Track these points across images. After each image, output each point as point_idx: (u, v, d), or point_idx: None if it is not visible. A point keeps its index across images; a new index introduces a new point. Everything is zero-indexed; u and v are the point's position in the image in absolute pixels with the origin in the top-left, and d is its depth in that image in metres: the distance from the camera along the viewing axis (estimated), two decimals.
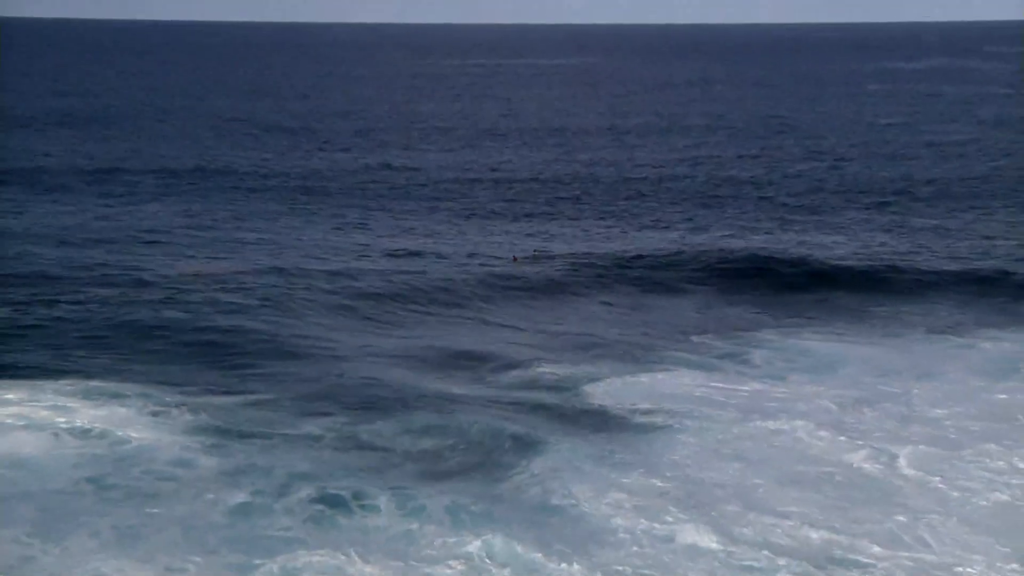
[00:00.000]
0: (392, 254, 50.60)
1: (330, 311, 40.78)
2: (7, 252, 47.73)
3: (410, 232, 56.09)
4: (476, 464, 27.52)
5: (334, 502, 25.14)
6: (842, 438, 29.73)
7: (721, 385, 34.27)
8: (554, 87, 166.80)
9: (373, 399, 31.81)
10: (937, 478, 27.06)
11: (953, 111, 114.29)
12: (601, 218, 60.28)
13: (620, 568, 22.72)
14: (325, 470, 26.80)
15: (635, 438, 29.56)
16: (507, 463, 27.61)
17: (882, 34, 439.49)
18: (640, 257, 50.00)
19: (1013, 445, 28.96)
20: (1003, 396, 33.11)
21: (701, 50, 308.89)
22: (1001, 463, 27.93)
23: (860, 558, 23.20)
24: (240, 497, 25.23)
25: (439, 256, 50.48)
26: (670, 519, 24.65)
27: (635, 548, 23.51)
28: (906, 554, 23.36)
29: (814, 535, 24.08)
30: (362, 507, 24.97)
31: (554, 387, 33.87)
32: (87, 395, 30.90)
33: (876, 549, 23.42)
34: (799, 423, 30.79)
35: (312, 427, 29.41)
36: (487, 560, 22.85)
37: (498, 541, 23.39)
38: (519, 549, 23.13)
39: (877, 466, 27.85)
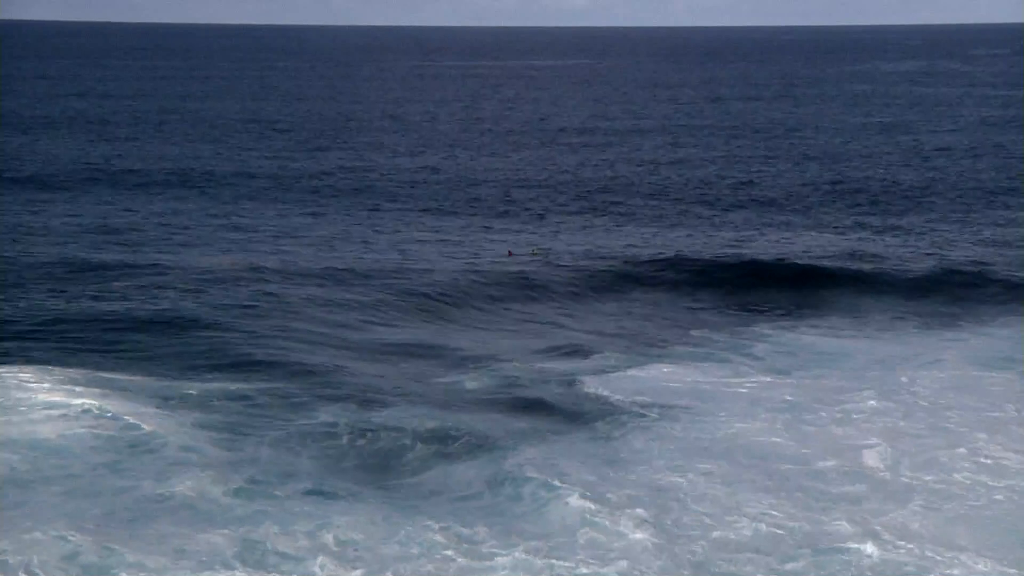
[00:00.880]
0: (397, 251, 50.91)
1: (337, 307, 41.08)
2: (26, 249, 48.31)
3: (415, 230, 56.37)
4: (476, 457, 27.65)
5: (332, 497, 25.37)
6: (840, 431, 29.93)
7: (722, 379, 34.48)
8: (553, 88, 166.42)
9: (377, 392, 32.13)
10: (933, 474, 27.08)
11: (943, 112, 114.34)
12: (599, 218, 60.41)
13: (607, 559, 22.85)
14: (327, 464, 27.10)
15: (632, 431, 29.73)
16: (506, 451, 27.85)
17: (873, 37, 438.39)
18: (637, 257, 50.21)
19: (1013, 436, 29.21)
20: (998, 388, 33.43)
21: (696, 52, 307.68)
22: (998, 455, 28.09)
23: (848, 553, 23.19)
24: (244, 490, 25.46)
25: (442, 254, 50.79)
26: (662, 512, 24.80)
27: (626, 540, 23.62)
28: (899, 547, 23.37)
29: (806, 528, 24.12)
30: (361, 501, 25.21)
31: (552, 380, 34.08)
32: (101, 385, 31.37)
33: (868, 545, 23.40)
34: (800, 415, 31.00)
35: (318, 419, 29.71)
36: (481, 552, 23.01)
37: (494, 533, 23.59)
38: (512, 540, 23.31)
39: (878, 461, 27.91)
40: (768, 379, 34.76)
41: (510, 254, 50.73)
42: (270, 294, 41.96)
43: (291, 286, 43.38)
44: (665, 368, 35.58)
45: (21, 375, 31.67)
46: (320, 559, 22.59)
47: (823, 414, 31.42)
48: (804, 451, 28.68)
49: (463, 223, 58.63)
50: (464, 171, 76.05)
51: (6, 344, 35.16)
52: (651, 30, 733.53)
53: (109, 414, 29.14)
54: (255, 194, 65.04)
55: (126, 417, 29.00)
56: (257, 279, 44.08)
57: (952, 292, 45.06)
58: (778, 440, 29.39)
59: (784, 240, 54.27)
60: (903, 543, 23.53)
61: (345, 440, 28.44)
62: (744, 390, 33.50)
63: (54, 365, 32.70)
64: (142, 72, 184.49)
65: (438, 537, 23.52)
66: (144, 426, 28.64)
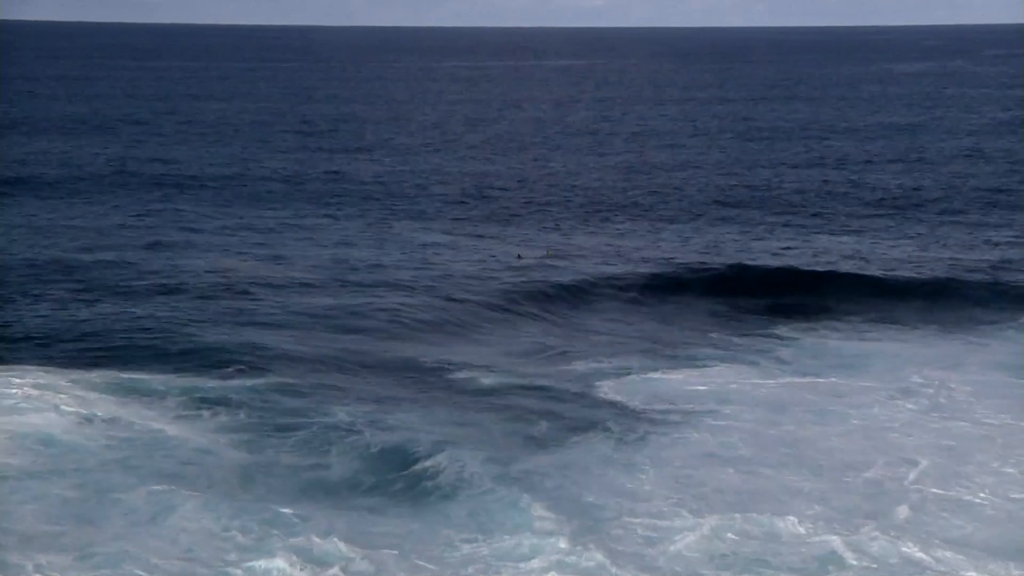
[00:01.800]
0: (410, 254, 50.87)
1: (351, 309, 41.06)
2: (37, 251, 48.43)
3: (426, 232, 56.29)
4: (493, 460, 27.62)
5: (351, 495, 25.46)
6: (867, 435, 29.80)
7: (745, 382, 34.42)
8: (567, 88, 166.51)
9: (392, 394, 32.26)
10: (961, 482, 26.87)
11: (958, 114, 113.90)
12: (614, 221, 60.21)
13: (632, 561, 22.86)
14: (345, 462, 27.21)
15: (652, 436, 29.64)
16: (524, 457, 27.84)
17: (888, 37, 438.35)
18: (654, 260, 50.13)
19: None
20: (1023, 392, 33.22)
21: (712, 53, 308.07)
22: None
23: (872, 559, 23.09)
24: (259, 489, 25.60)
25: (455, 256, 50.76)
26: (683, 515, 24.77)
27: (647, 544, 23.63)
28: (923, 556, 23.22)
29: (827, 537, 23.93)
30: (375, 503, 25.28)
31: (570, 384, 34.05)
32: (119, 385, 31.59)
33: (892, 555, 23.27)
34: (825, 419, 31.01)
35: (332, 421, 29.74)
36: (507, 553, 23.02)
37: (522, 535, 23.58)
38: (527, 545, 23.31)
39: (906, 468, 27.75)
40: (792, 381, 34.68)
41: (519, 257, 50.60)
42: (283, 298, 42.03)
43: (304, 289, 43.45)
44: (685, 372, 35.45)
45: (33, 376, 31.81)
46: (330, 560, 22.56)
47: (849, 418, 31.28)
48: (830, 456, 28.48)
49: (476, 226, 58.59)
50: (475, 173, 75.88)
51: (20, 344, 35.41)
52: (666, 30, 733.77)
53: (123, 414, 29.33)
54: (267, 196, 64.99)
55: (140, 418, 29.23)
56: (270, 283, 44.14)
57: (971, 296, 44.85)
58: (803, 444, 29.25)
59: (802, 244, 54.15)
60: (929, 552, 23.34)
61: (360, 442, 28.43)
62: (767, 392, 33.37)
63: (66, 367, 32.81)
64: (145, 73, 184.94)
65: (452, 540, 23.53)
66: (159, 426, 28.83)
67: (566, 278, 46.85)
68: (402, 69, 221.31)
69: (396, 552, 22.98)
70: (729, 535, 23.85)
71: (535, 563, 22.63)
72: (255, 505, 24.65)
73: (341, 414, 30.22)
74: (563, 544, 23.20)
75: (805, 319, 42.45)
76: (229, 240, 52.93)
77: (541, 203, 65.22)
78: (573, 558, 22.76)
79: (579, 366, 35.96)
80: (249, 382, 32.49)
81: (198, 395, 31.10)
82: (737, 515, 24.66)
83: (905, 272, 47.99)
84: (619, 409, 31.76)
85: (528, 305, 43.32)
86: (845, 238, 55.59)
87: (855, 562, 22.93)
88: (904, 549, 23.40)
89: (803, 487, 26.57)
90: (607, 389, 33.55)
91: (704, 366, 36.24)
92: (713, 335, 40.34)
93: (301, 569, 22.22)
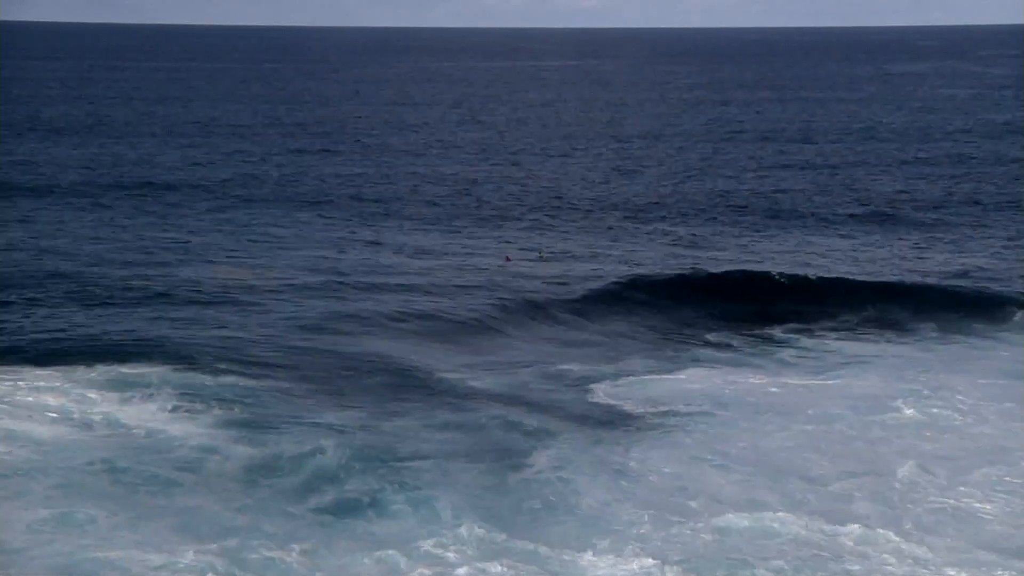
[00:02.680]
0: (404, 256, 50.99)
1: (347, 310, 41.41)
2: (39, 253, 48.83)
3: (422, 235, 56.37)
4: (490, 458, 27.75)
5: (348, 494, 25.48)
6: (866, 441, 29.56)
7: (744, 384, 34.32)
8: (561, 89, 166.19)
9: (389, 395, 32.36)
10: (967, 490, 26.54)
11: (956, 116, 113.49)
12: (610, 224, 59.85)
13: (621, 560, 22.93)
14: (344, 461, 27.22)
15: (649, 438, 29.64)
16: (519, 458, 27.86)
17: (884, 38, 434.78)
18: (647, 263, 50.04)
19: None
20: None
21: (707, 54, 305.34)
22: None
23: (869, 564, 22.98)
24: (254, 488, 25.65)
25: (451, 258, 50.90)
26: (683, 518, 24.76)
27: (637, 542, 23.65)
28: (925, 563, 23.08)
29: (828, 540, 23.88)
30: (375, 502, 25.26)
31: (566, 385, 34.18)
32: (117, 384, 31.89)
33: (893, 563, 23.10)
34: (826, 422, 30.82)
35: (336, 419, 30.10)
36: (493, 553, 23.04)
37: (501, 538, 23.59)
38: (522, 543, 23.39)
39: (908, 472, 27.49)
40: (792, 384, 34.51)
41: (508, 259, 50.59)
42: (281, 300, 42.41)
43: (298, 292, 43.71)
44: (683, 373, 35.44)
45: (30, 377, 32.15)
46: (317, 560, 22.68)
47: (852, 421, 31.08)
48: (830, 460, 28.36)
49: (468, 228, 58.47)
50: (467, 176, 75.63)
51: (23, 343, 35.95)
52: (661, 31, 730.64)
53: (115, 415, 29.61)
54: (260, 200, 64.87)
55: (130, 419, 29.51)
56: (268, 285, 44.55)
57: (968, 300, 44.39)
58: (802, 448, 29.09)
59: (798, 247, 54.09)
60: (930, 556, 23.26)
61: (357, 441, 28.62)
62: (766, 394, 33.27)
63: (63, 367, 33.09)
64: (141, 75, 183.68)
65: (445, 540, 23.52)
66: (150, 427, 29.11)
67: (560, 280, 46.74)
68: (399, 70, 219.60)
69: (392, 554, 22.99)
70: (728, 539, 23.81)
71: (533, 567, 22.62)
72: (237, 515, 24.47)
73: (336, 413, 30.53)
74: (564, 547, 23.25)
75: (803, 322, 42.27)
76: (223, 243, 53.06)
77: (534, 206, 65.10)
78: (571, 559, 22.85)
79: (575, 368, 35.96)
80: (242, 382, 32.69)
81: (190, 395, 31.24)
82: (734, 518, 24.63)
83: (901, 275, 47.82)
84: (616, 412, 31.71)
85: (522, 307, 43.14)
86: (841, 242, 55.45)
87: (855, 567, 22.83)
88: (906, 552, 23.32)
89: (805, 489, 26.45)
90: (603, 392, 33.51)
91: (701, 368, 36.20)
92: (710, 337, 40.30)
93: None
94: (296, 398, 31.76)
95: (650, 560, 22.89)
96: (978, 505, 25.89)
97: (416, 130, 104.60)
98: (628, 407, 32.09)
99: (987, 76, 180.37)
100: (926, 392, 33.31)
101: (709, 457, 28.37)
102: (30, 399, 30.53)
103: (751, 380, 34.91)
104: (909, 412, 31.75)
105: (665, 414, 31.43)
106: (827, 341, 40.04)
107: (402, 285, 45.44)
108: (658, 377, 35.16)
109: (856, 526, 24.46)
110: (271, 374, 33.60)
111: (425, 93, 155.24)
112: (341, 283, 45.49)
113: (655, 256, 52.03)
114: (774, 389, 33.94)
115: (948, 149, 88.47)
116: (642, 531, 24.16)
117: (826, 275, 47.49)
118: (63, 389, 31.28)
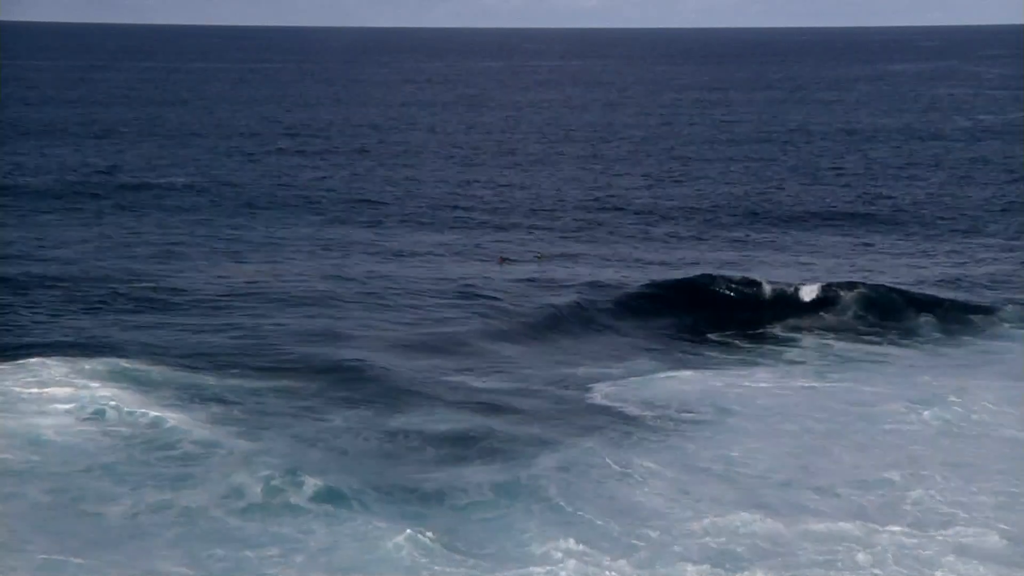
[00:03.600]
0: (402, 259, 51.02)
1: (351, 310, 41.62)
2: (42, 255, 49.05)
3: (410, 239, 56.25)
4: (489, 464, 27.66)
5: (346, 497, 25.34)
6: (864, 450, 29.18)
7: (748, 386, 34.20)
8: (560, 89, 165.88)
9: (392, 397, 32.34)
10: (978, 502, 25.94)
11: (952, 117, 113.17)
12: (609, 229, 59.32)
13: (632, 563, 22.83)
14: (345, 462, 27.27)
15: (652, 443, 29.53)
16: (523, 459, 27.76)
17: (884, 38, 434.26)
18: (651, 266, 49.93)
19: None
20: None
21: (706, 55, 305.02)
22: None
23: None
24: (253, 488, 25.54)
25: (450, 260, 50.90)
26: (686, 521, 24.66)
27: (643, 545, 23.60)
28: None
29: (829, 545, 23.63)
30: (368, 505, 25.16)
31: (567, 387, 34.12)
32: (118, 378, 32.12)
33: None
34: (829, 426, 30.55)
35: (338, 418, 30.13)
36: (482, 565, 22.86)
37: (497, 546, 23.48)
38: (514, 554, 23.22)
39: (913, 481, 27.02)
40: (797, 386, 34.35)
41: (502, 261, 50.63)
42: (283, 300, 42.57)
43: (299, 293, 43.80)
44: (687, 376, 35.33)
45: (40, 369, 32.42)
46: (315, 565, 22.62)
47: (859, 425, 30.81)
48: (839, 464, 28.13)
49: (467, 231, 58.33)
50: (465, 178, 75.46)
51: (29, 340, 36.24)
52: (660, 31, 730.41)
53: (128, 407, 29.78)
54: (260, 203, 64.71)
55: (144, 410, 29.71)
56: (272, 285, 44.72)
57: (975, 302, 43.84)
58: (809, 452, 28.94)
59: (801, 250, 53.98)
60: (939, 562, 23.09)
61: (358, 442, 28.57)
62: (771, 397, 33.14)
63: (65, 366, 33.17)
64: (141, 75, 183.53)
65: (439, 547, 23.32)
66: (161, 416, 29.32)
67: (559, 281, 46.68)
68: (397, 70, 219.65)
69: (391, 558, 22.89)
70: (732, 543, 23.66)
71: (537, 570, 22.55)
72: (235, 520, 24.37)
73: (340, 412, 30.57)
74: (564, 552, 23.17)
75: (806, 324, 41.97)
76: (223, 244, 53.25)
77: (533, 207, 65.05)
78: (574, 564, 22.76)
79: (575, 370, 35.94)
80: (249, 378, 32.90)
81: (193, 393, 31.41)
82: (740, 522, 24.52)
83: (906, 277, 47.53)
84: (621, 415, 31.61)
85: (521, 308, 43.13)
86: (843, 243, 55.30)
87: (864, 573, 22.64)
88: (914, 558, 23.14)
89: (812, 494, 26.26)
90: (608, 394, 33.44)
91: (705, 370, 36.12)
92: (713, 339, 40.30)
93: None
94: (298, 398, 31.72)
95: (656, 565, 22.85)
96: (991, 514, 25.44)
97: (414, 131, 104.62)
98: (636, 409, 31.98)
99: (987, 76, 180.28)
100: (936, 396, 32.87)
101: (712, 460, 28.22)
102: (34, 391, 30.76)
103: (761, 382, 34.76)
104: (920, 416, 31.31)
105: (668, 417, 31.28)
106: (832, 343, 39.79)
107: (401, 286, 45.56)
108: (662, 377, 35.16)
109: (871, 531, 24.25)
110: (274, 373, 33.67)
111: (423, 94, 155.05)
112: (341, 284, 45.59)
113: (655, 257, 51.97)
114: (778, 391, 33.76)
115: (949, 150, 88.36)
116: (646, 535, 24.04)
117: (828, 276, 47.08)
118: (67, 381, 31.54)
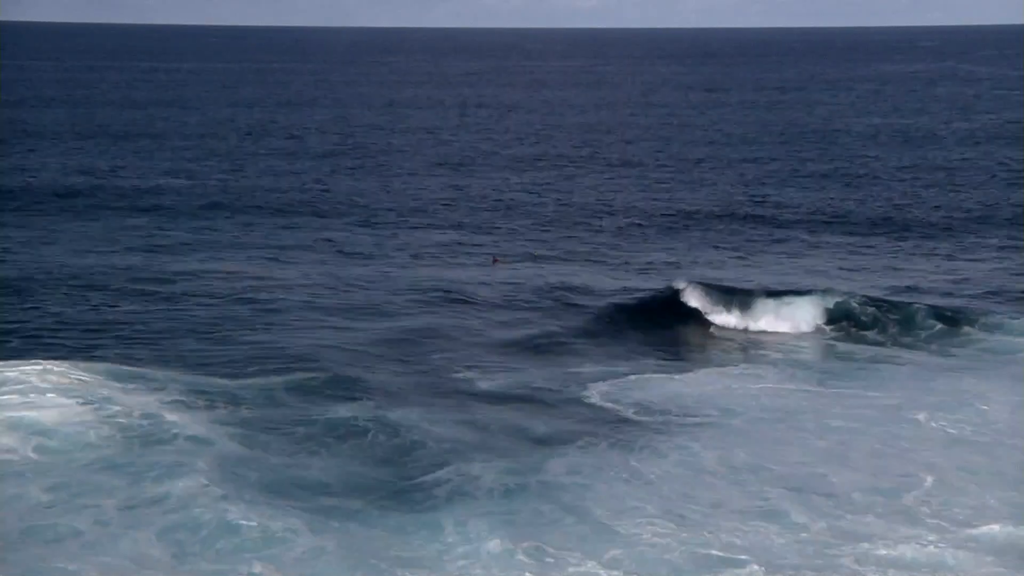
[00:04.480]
0: (401, 261, 50.89)
1: (352, 311, 41.49)
2: (44, 256, 49.11)
3: (421, 236, 56.28)
4: (493, 463, 27.52)
5: (349, 498, 25.28)
6: (878, 456, 28.79)
7: (755, 388, 34.04)
8: (557, 90, 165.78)
9: (393, 397, 32.27)
10: (987, 517, 25.25)
11: (951, 118, 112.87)
12: (607, 231, 58.90)
13: (631, 567, 22.66)
14: (346, 463, 27.17)
15: (659, 442, 29.31)
16: (531, 461, 27.65)
17: (884, 38, 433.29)
18: (653, 268, 49.57)
19: None
20: None
21: (705, 55, 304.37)
22: None
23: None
24: (249, 487, 25.46)
25: (449, 262, 50.81)
26: (690, 523, 24.49)
27: (647, 548, 23.38)
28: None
29: (830, 549, 23.48)
30: (368, 505, 25.04)
31: (568, 388, 33.94)
32: (122, 381, 31.93)
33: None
34: (838, 430, 30.30)
35: (341, 415, 30.14)
36: (500, 559, 22.81)
37: (504, 544, 23.29)
38: (530, 548, 23.10)
39: (920, 490, 26.59)
40: (804, 390, 34.06)
41: (495, 261, 50.41)
42: (286, 299, 42.70)
43: (305, 292, 43.96)
44: (694, 378, 35.26)
45: (39, 373, 32.19)
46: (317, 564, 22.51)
47: (869, 429, 30.49)
48: (847, 468, 27.88)
49: (467, 230, 58.18)
50: (465, 177, 75.40)
51: (29, 340, 36.40)
52: (660, 31, 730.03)
53: (126, 406, 29.78)
54: (262, 202, 64.78)
55: (142, 409, 29.67)
56: (273, 286, 44.79)
57: (977, 307, 43.14)
58: (816, 456, 28.75)
59: (802, 251, 53.85)
60: (945, 568, 22.79)
61: (358, 441, 28.54)
62: (777, 400, 32.98)
63: (68, 365, 33.15)
64: (140, 76, 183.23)
65: (444, 547, 23.25)
66: (161, 415, 29.31)
67: (560, 284, 46.52)
68: (397, 71, 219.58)
69: (390, 559, 22.77)
70: (744, 547, 23.50)
71: (536, 572, 22.42)
72: (237, 516, 24.23)
73: (341, 409, 30.61)
74: (567, 554, 23.00)
75: (808, 328, 41.46)
76: (223, 246, 53.12)
77: (531, 207, 64.90)
78: (575, 569, 22.60)
79: (580, 371, 35.79)
80: (251, 377, 32.89)
81: (198, 391, 31.37)
82: (741, 525, 24.39)
83: (909, 281, 47.23)
84: (622, 416, 31.43)
85: (520, 309, 42.91)
86: (846, 245, 55.13)
87: None
88: (933, 563, 22.91)
89: (819, 499, 26.00)
90: (609, 395, 33.30)
91: (711, 372, 36.05)
92: (719, 340, 40.27)
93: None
94: (298, 398, 31.67)
95: (662, 570, 22.70)
96: (1000, 525, 24.92)
97: (412, 132, 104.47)
98: (637, 411, 31.84)
99: (987, 76, 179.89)
100: (948, 400, 32.59)
101: (719, 464, 28.06)
102: (34, 390, 30.73)
103: (757, 385, 34.63)
104: (933, 422, 30.96)
105: (675, 420, 31.15)
106: (833, 346, 39.60)
107: (399, 287, 45.53)
108: (663, 378, 35.09)
109: (868, 544, 23.90)
110: (275, 373, 33.60)
111: (422, 94, 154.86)
112: (340, 285, 45.59)
113: (655, 259, 51.85)
114: (780, 395, 33.59)
115: (950, 151, 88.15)
116: (651, 538, 23.89)
117: (828, 280, 46.87)
118: (68, 380, 31.57)
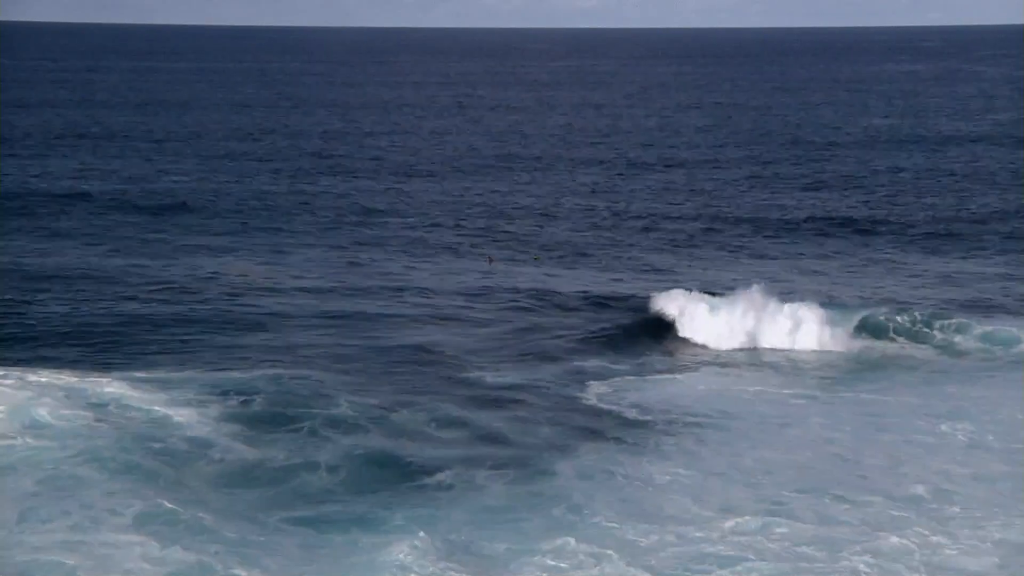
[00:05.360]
0: (401, 263, 50.95)
1: (352, 314, 41.38)
2: (46, 258, 49.05)
3: (421, 237, 56.36)
4: (507, 464, 27.54)
5: (349, 499, 25.23)
6: (883, 459, 28.55)
7: (762, 389, 34.11)
8: (555, 90, 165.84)
9: (395, 397, 32.20)
10: (997, 523, 24.99)
11: (952, 118, 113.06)
12: (612, 229, 59.27)
13: (639, 569, 22.58)
14: (346, 464, 27.07)
15: (663, 443, 29.37)
16: (538, 464, 27.60)
17: (881, 38, 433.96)
18: (645, 268, 49.63)
19: None
20: None
21: (705, 55, 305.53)
22: None
23: None
24: (249, 487, 25.44)
25: (449, 263, 50.92)
26: (692, 525, 24.42)
27: (657, 551, 23.34)
28: None
29: (835, 553, 23.33)
30: (369, 506, 25.00)
31: (569, 388, 33.96)
32: (119, 377, 32.05)
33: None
34: (862, 432, 30.23)
35: (341, 415, 30.04)
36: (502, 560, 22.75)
37: (510, 551, 23.14)
38: (533, 550, 23.04)
39: (927, 493, 26.40)
40: (807, 392, 34.11)
41: (491, 261, 50.49)
42: (286, 299, 42.74)
43: (304, 295, 43.93)
44: (697, 379, 35.35)
45: (36, 374, 32.24)
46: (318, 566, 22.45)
47: (875, 437, 30.28)
48: (852, 471, 27.81)
49: (466, 230, 58.27)
50: (465, 177, 75.55)
51: (30, 339, 36.50)
52: (660, 31, 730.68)
53: (126, 406, 29.80)
54: (266, 204, 64.76)
55: (144, 407, 29.76)
56: (274, 286, 44.85)
57: (979, 311, 42.91)
58: (821, 458, 28.67)
59: (802, 252, 53.79)
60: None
61: (358, 442, 28.53)
62: (781, 402, 32.96)
63: (70, 365, 33.33)
64: (143, 75, 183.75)
65: (449, 549, 23.13)
66: (161, 413, 29.38)
67: (559, 284, 46.60)
68: (396, 70, 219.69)
69: (381, 560, 22.62)
70: (754, 551, 23.39)
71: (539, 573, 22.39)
72: (228, 519, 24.13)
73: (348, 409, 30.52)
74: (585, 555, 22.98)
75: (808, 330, 40.51)
76: (223, 247, 53.19)
77: (531, 208, 64.93)
78: (584, 572, 22.52)
79: (581, 372, 35.78)
80: (252, 377, 32.85)
81: (198, 390, 31.38)
82: (744, 528, 24.34)
83: (910, 284, 47.29)
84: (624, 417, 31.44)
85: (520, 310, 42.93)
86: (847, 246, 54.98)
87: None
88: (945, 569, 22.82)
89: (825, 503, 25.87)
90: (610, 396, 33.34)
91: (715, 373, 36.06)
92: (721, 340, 40.13)
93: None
94: (299, 397, 31.59)
95: (665, 572, 22.64)
96: (1011, 529, 24.85)
97: (410, 133, 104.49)
98: (641, 412, 31.81)
99: (987, 76, 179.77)
100: (957, 404, 32.52)
101: (728, 467, 27.99)
102: (34, 389, 30.67)
103: (759, 387, 34.66)
104: (943, 426, 30.84)
105: (678, 421, 31.09)
106: (841, 349, 39.44)
107: (399, 287, 45.56)
108: (663, 379, 35.07)
109: (877, 547, 23.79)
110: (274, 374, 33.57)
111: (420, 95, 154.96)
112: (340, 284, 45.63)
113: (655, 261, 51.83)
114: (782, 399, 33.54)
115: (950, 151, 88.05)
116: (654, 541, 23.84)
117: (828, 283, 46.78)
118: (68, 380, 31.57)
